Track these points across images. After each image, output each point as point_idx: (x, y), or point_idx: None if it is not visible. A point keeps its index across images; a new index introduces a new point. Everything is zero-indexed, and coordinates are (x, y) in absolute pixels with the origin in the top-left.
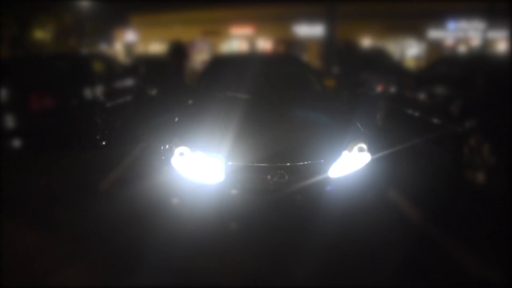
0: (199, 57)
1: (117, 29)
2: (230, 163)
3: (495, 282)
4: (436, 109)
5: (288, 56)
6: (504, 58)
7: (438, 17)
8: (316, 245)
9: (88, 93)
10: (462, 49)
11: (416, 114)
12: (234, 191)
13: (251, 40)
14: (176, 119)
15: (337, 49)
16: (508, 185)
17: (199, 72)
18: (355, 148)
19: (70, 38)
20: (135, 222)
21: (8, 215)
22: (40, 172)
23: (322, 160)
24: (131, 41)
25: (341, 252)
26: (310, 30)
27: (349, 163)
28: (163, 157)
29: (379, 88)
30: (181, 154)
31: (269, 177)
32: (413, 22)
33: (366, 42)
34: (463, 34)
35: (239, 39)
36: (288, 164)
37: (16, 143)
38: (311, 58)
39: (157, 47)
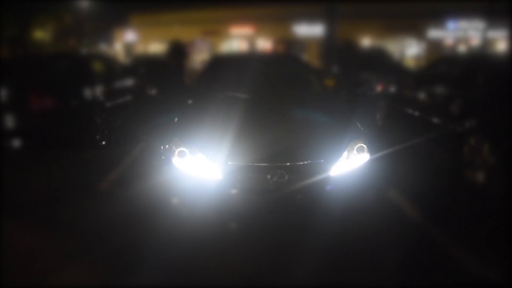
0: (199, 57)
1: (116, 29)
2: (230, 162)
3: (494, 282)
4: (436, 109)
5: (288, 55)
6: (504, 58)
7: (438, 17)
8: (316, 245)
9: (88, 93)
10: (462, 48)
11: (416, 113)
12: (234, 191)
13: (251, 40)
14: (176, 119)
15: (337, 49)
16: (507, 185)
17: (198, 72)
18: (355, 148)
19: (70, 38)
20: (135, 222)
21: (8, 215)
22: (40, 172)
23: (322, 160)
24: (130, 41)
25: (341, 251)
26: (310, 30)
27: (349, 163)
28: (163, 157)
29: (379, 88)
30: (181, 154)
31: (269, 176)
32: (413, 22)
33: (366, 41)
34: (463, 33)
35: (239, 39)
36: (288, 163)
37: (16, 143)
38: (311, 57)
39: (156, 47)
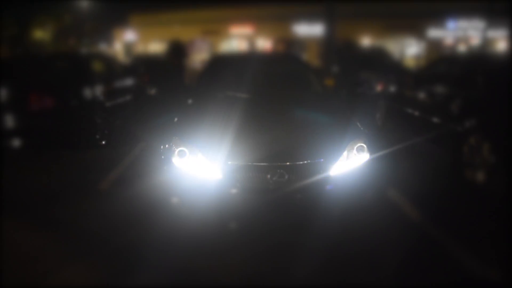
0: (199, 56)
1: (116, 28)
2: (229, 162)
3: (494, 281)
4: (436, 109)
5: (287, 55)
6: (503, 57)
7: (438, 16)
8: (316, 244)
9: (87, 92)
10: (462, 48)
11: (416, 113)
12: (233, 191)
13: (250, 40)
14: (176, 119)
15: (336, 49)
16: (507, 184)
17: (198, 71)
18: (355, 148)
19: (69, 38)
20: (135, 221)
21: (8, 215)
22: (40, 172)
23: (322, 160)
24: (130, 40)
25: (341, 251)
26: (309, 30)
27: (348, 163)
28: (162, 157)
29: (378, 88)
30: (181, 153)
31: (268, 176)
32: (412, 21)
33: (366, 41)
34: (462, 33)
35: (239, 39)
36: (287, 163)
37: (16, 143)
38: (310, 57)
39: (156, 46)
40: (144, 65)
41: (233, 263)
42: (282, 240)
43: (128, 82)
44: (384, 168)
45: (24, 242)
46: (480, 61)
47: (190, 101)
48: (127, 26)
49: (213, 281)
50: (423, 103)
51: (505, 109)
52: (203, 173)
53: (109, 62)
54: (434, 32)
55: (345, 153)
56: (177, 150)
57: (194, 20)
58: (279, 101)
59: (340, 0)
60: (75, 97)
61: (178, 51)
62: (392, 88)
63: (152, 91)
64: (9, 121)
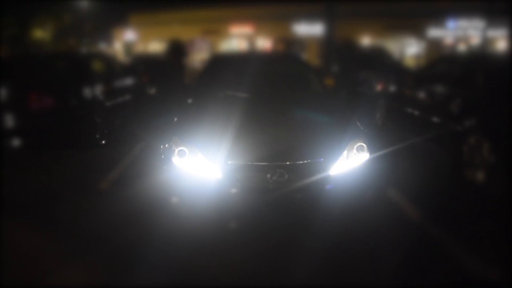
0: (199, 56)
1: (116, 28)
2: (229, 162)
3: (494, 281)
4: (435, 108)
5: (287, 55)
6: (503, 57)
7: (438, 16)
8: (316, 244)
9: (87, 92)
10: (461, 47)
11: (416, 113)
12: (233, 190)
13: (250, 39)
14: (176, 118)
15: (336, 48)
16: (507, 184)
17: (198, 71)
18: (355, 147)
19: (69, 38)
20: (135, 221)
21: (8, 215)
22: (40, 171)
23: (322, 159)
24: (130, 40)
25: (341, 251)
26: (309, 29)
27: (348, 162)
28: (162, 156)
29: (378, 87)
30: (181, 153)
31: (268, 176)
32: (412, 21)
33: (366, 40)
34: (462, 32)
35: (239, 38)
36: (287, 163)
37: (16, 142)
38: (310, 57)
39: (156, 46)
40: (144, 65)
41: (233, 263)
42: (282, 239)
43: (128, 81)
44: (384, 167)
45: (24, 242)
46: (480, 60)
47: (190, 100)
48: (127, 25)
49: (213, 280)
50: (423, 103)
51: (505, 109)
52: (203, 173)
53: (109, 61)
54: (434, 32)
55: (345, 152)
56: (177, 150)
57: (194, 20)
58: (279, 100)
59: (340, 0)
60: (75, 96)
61: (178, 50)
62: (392, 88)
63: (152, 91)
64: (9, 120)
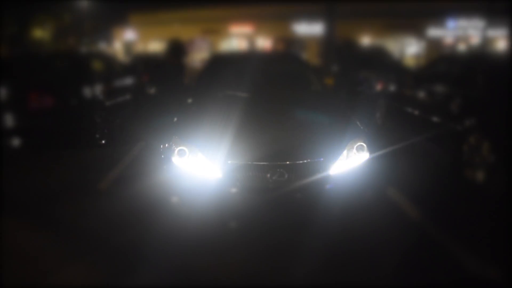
0: (199, 55)
1: (116, 27)
2: (229, 161)
3: (494, 280)
4: (435, 108)
5: (287, 54)
6: (503, 57)
7: (438, 16)
8: (316, 244)
9: (87, 92)
10: (461, 47)
11: (416, 112)
12: (233, 190)
13: (250, 39)
14: (176, 118)
15: (336, 48)
16: (507, 184)
17: (198, 70)
18: (355, 147)
19: (69, 37)
20: (135, 221)
21: (8, 215)
22: (40, 171)
23: (322, 159)
24: (130, 39)
25: (341, 250)
26: (309, 29)
27: (348, 162)
28: (162, 156)
29: (378, 87)
30: (181, 153)
31: (268, 175)
32: (412, 21)
33: (366, 40)
34: (462, 32)
35: (239, 38)
36: (287, 162)
37: (16, 142)
38: (310, 56)
39: (156, 45)
40: (143, 64)
41: (233, 262)
42: (282, 239)
43: (128, 81)
44: (384, 167)
45: (24, 242)
46: (480, 60)
47: (190, 100)
48: (126, 25)
49: (213, 280)
50: (423, 103)
51: (504, 109)
52: (203, 172)
53: (109, 61)
54: (434, 32)
55: (345, 152)
56: (177, 149)
57: (194, 19)
58: (279, 100)
59: (340, 0)
60: (75, 96)
61: (178, 50)
62: (392, 87)
63: (152, 90)
64: (9, 120)
